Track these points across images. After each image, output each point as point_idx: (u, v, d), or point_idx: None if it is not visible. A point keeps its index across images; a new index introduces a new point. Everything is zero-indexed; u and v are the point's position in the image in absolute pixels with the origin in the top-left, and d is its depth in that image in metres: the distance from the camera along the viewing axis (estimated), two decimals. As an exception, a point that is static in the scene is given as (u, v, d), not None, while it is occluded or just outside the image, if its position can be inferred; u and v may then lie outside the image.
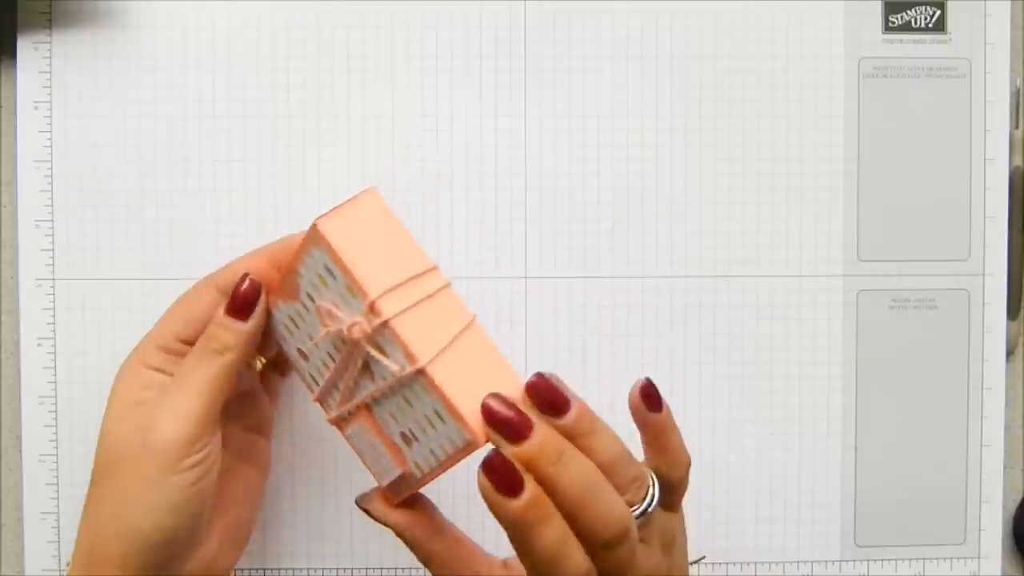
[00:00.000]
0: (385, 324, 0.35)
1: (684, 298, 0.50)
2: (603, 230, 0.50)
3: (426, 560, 0.40)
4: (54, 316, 0.49)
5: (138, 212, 0.49)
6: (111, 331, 0.49)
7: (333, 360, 0.38)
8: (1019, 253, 0.51)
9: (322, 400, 0.40)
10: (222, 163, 0.49)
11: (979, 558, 0.51)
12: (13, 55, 0.49)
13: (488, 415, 0.34)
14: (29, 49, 0.49)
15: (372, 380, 0.37)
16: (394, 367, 0.35)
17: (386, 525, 0.40)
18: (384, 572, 0.50)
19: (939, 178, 0.50)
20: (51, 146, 0.49)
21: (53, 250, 0.49)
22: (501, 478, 0.33)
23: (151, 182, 0.49)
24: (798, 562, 0.51)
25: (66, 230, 0.49)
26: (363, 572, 0.50)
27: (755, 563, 0.50)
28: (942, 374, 0.51)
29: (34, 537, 0.49)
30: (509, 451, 0.34)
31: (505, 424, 0.34)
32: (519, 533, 0.34)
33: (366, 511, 0.40)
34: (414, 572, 0.50)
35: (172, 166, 0.49)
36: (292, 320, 0.40)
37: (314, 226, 0.37)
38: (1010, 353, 0.51)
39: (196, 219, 0.49)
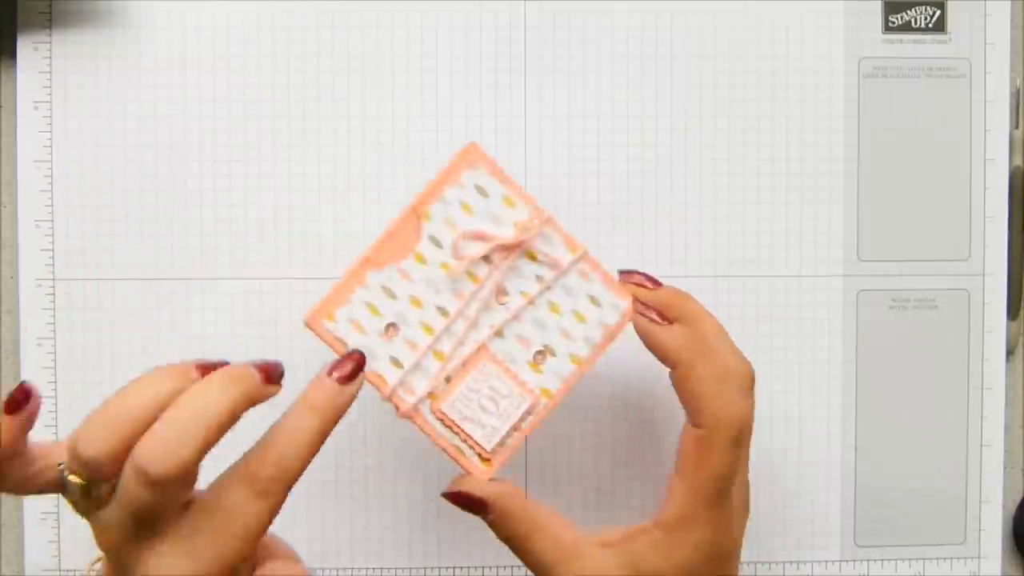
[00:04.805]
0: (549, 219, 0.40)
1: (684, 298, 0.50)
2: (603, 230, 0.50)
3: (525, 532, 0.39)
4: (54, 316, 0.49)
5: (138, 212, 0.49)
6: (111, 331, 0.49)
7: (447, 303, 0.39)
8: (1019, 253, 0.51)
9: (402, 384, 0.39)
10: (222, 163, 0.49)
11: (979, 558, 0.51)
12: (13, 55, 0.49)
13: (626, 275, 0.41)
14: (29, 49, 0.49)
15: (506, 300, 0.40)
16: (564, 257, 0.40)
17: (484, 503, 0.39)
18: (384, 572, 0.50)
19: (939, 178, 0.50)
20: (51, 146, 0.49)
21: (53, 250, 0.49)
22: (653, 311, 0.40)
23: (151, 182, 0.49)
24: (798, 562, 0.51)
25: (66, 230, 0.49)
26: (363, 572, 0.50)
27: (755, 563, 0.50)
28: (942, 374, 0.51)
29: (34, 537, 0.49)
30: (651, 295, 0.41)
31: (642, 275, 0.41)
32: (683, 363, 0.39)
33: (460, 493, 0.39)
34: (414, 572, 0.50)
35: (172, 166, 0.49)
36: (385, 290, 0.39)
37: (472, 145, 0.39)
38: (1010, 353, 0.51)
39: (196, 219, 0.49)
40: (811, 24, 0.50)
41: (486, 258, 0.40)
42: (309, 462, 0.36)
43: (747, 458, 0.41)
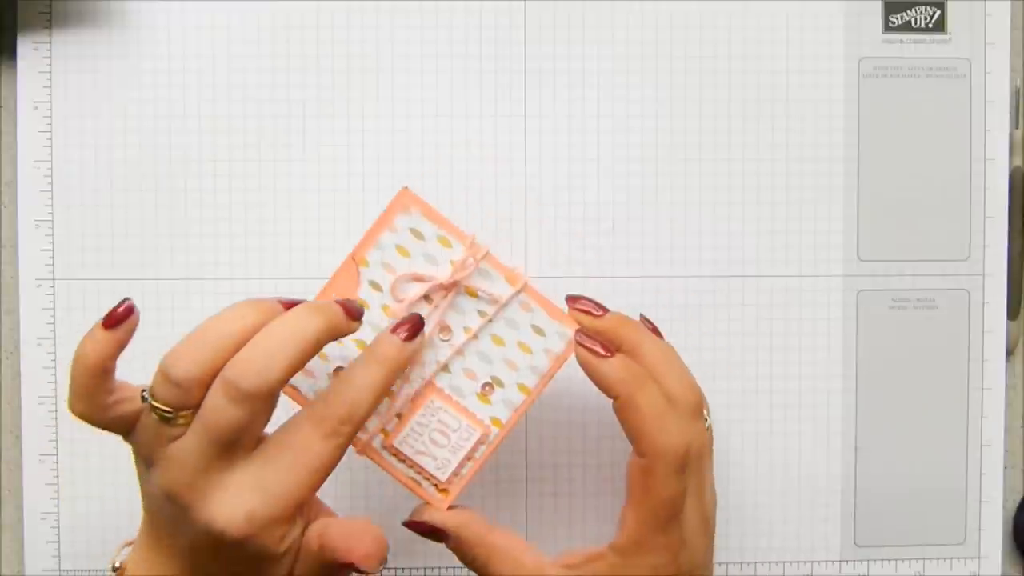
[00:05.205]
0: (486, 255, 0.40)
1: (684, 298, 0.50)
2: (603, 230, 0.50)
3: (485, 558, 0.41)
4: (54, 316, 0.49)
5: (138, 212, 0.49)
6: (111, 331, 0.49)
7: None
8: (1019, 253, 0.51)
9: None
10: (222, 163, 0.49)
11: (979, 558, 0.51)
12: (13, 55, 0.49)
13: (572, 300, 0.42)
14: (29, 49, 0.49)
15: (449, 336, 0.41)
16: (504, 291, 0.41)
17: (443, 531, 0.41)
18: (384, 572, 0.50)
19: (939, 178, 0.50)
20: (51, 146, 0.49)
21: (53, 250, 0.49)
22: (595, 342, 0.40)
23: (151, 182, 0.49)
24: (798, 562, 0.51)
25: (66, 230, 0.49)
26: (363, 572, 0.50)
27: (755, 563, 0.50)
28: (942, 374, 0.51)
29: (34, 537, 0.49)
30: (595, 323, 0.41)
31: (588, 300, 0.42)
32: (623, 396, 0.39)
33: (421, 523, 0.41)
34: (414, 572, 0.50)
35: (172, 166, 0.49)
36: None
37: (404, 190, 0.40)
38: (1010, 353, 0.51)
39: (196, 219, 0.49)
40: (811, 24, 0.50)
41: (427, 297, 0.41)
42: (374, 409, 0.38)
43: (702, 480, 0.41)
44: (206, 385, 0.36)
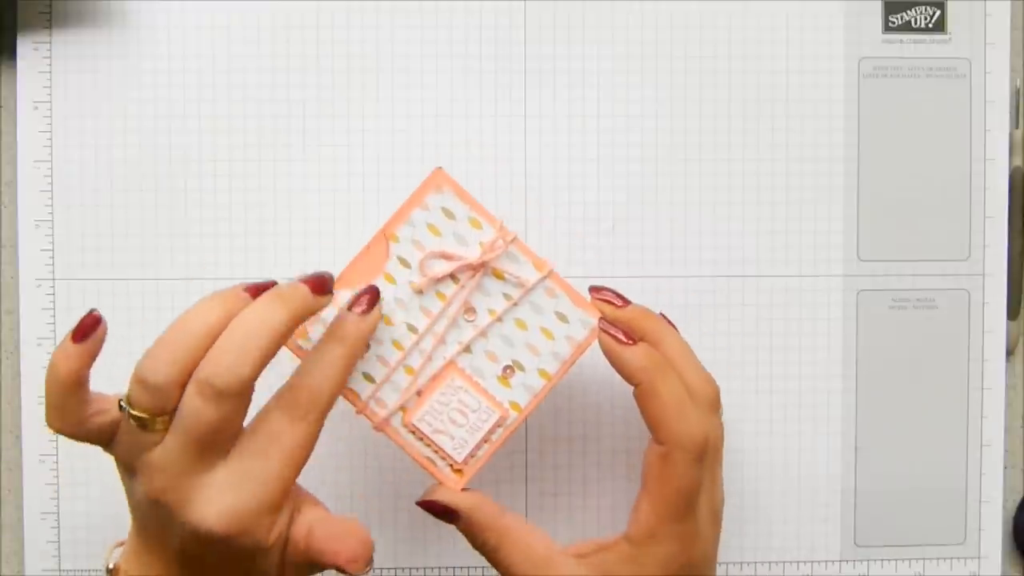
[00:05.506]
0: (515, 239, 0.41)
1: (684, 298, 0.50)
2: (603, 230, 0.50)
3: (496, 542, 0.40)
4: (54, 316, 0.49)
5: (138, 212, 0.49)
6: (111, 331, 0.49)
7: (416, 320, 0.41)
8: (1019, 253, 0.51)
9: (374, 398, 0.41)
10: (222, 163, 0.49)
11: (979, 558, 0.51)
12: (13, 55, 0.49)
13: (595, 290, 0.42)
14: (29, 49, 0.49)
15: (473, 317, 0.41)
16: (531, 275, 0.41)
17: (455, 512, 0.41)
18: (384, 572, 0.50)
19: (939, 178, 0.50)
20: (51, 146, 0.49)
21: (53, 250, 0.49)
22: (618, 330, 0.40)
23: (151, 182, 0.49)
24: (798, 562, 0.51)
25: (66, 230, 0.49)
26: (363, 572, 0.50)
27: (755, 563, 0.50)
28: (942, 374, 0.51)
29: (34, 537, 0.49)
30: (617, 313, 0.41)
31: (611, 292, 0.42)
32: (646, 383, 0.39)
33: (433, 502, 0.41)
34: (414, 572, 0.50)
35: (172, 166, 0.49)
36: None
37: (438, 170, 0.41)
38: (1010, 353, 0.51)
39: (196, 219, 0.49)
40: (811, 24, 0.50)
41: (453, 277, 0.41)
42: (340, 388, 0.38)
43: (715, 473, 0.42)
44: (182, 386, 0.36)
